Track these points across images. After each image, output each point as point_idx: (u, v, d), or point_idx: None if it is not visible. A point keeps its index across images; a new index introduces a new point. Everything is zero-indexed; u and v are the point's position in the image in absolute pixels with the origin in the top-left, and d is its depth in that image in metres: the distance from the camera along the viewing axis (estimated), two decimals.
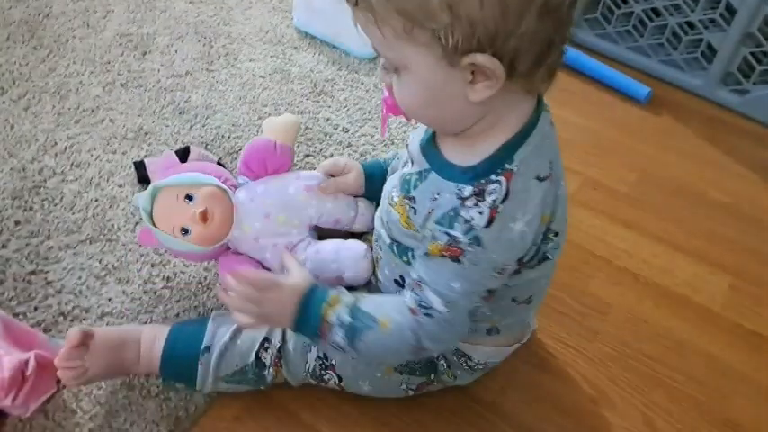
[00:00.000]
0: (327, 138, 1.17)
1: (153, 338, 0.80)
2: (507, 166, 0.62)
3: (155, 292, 0.92)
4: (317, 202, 0.89)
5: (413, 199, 0.68)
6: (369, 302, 0.70)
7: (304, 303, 0.71)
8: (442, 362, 0.81)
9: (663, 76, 1.40)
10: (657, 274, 1.04)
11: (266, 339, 0.80)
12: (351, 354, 0.71)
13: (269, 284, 0.72)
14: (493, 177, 0.62)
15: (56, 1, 1.42)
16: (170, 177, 0.87)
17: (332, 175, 0.91)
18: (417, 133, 0.72)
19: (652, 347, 0.94)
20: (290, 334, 0.80)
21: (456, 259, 0.63)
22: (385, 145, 1.17)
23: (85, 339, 0.76)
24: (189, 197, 0.85)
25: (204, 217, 0.84)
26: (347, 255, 0.84)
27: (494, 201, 0.62)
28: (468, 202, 0.62)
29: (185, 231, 0.85)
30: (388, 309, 0.69)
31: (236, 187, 0.91)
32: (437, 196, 0.65)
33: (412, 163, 0.71)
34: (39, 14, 1.37)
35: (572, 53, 1.41)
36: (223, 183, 0.89)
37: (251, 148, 0.92)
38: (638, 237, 1.10)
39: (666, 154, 1.27)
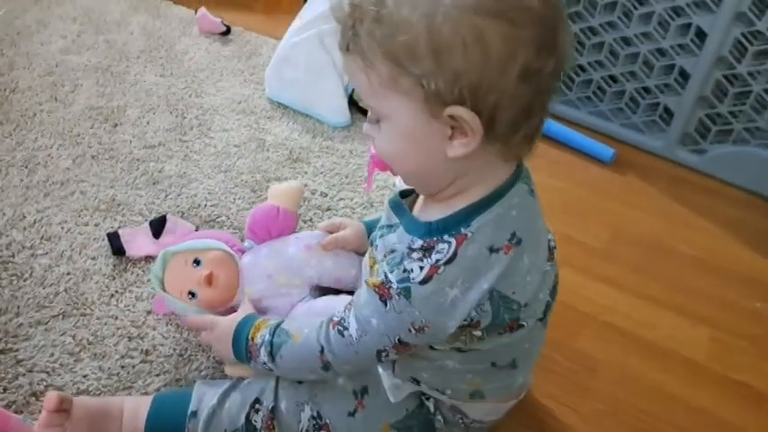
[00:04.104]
0: (306, 203, 1.17)
1: (136, 408, 0.77)
2: (462, 229, 0.62)
3: (133, 367, 0.88)
4: (316, 261, 0.91)
5: (376, 246, 0.69)
6: (289, 322, 0.76)
7: (237, 330, 0.79)
8: (439, 417, 0.78)
9: (625, 138, 1.46)
10: (640, 327, 1.05)
11: (257, 401, 0.77)
12: (275, 371, 0.76)
13: (208, 323, 0.83)
14: (445, 237, 0.62)
15: (22, 76, 1.40)
16: (180, 244, 0.92)
17: (331, 232, 0.93)
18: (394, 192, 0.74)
19: (644, 402, 0.94)
20: (281, 394, 0.78)
21: (383, 300, 0.64)
22: (364, 207, 1.17)
23: (64, 405, 0.72)
24: (196, 261, 0.89)
25: (209, 280, 0.87)
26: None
27: (437, 260, 0.61)
28: (415, 255, 0.62)
29: (192, 295, 0.88)
30: (301, 324, 0.75)
31: (242, 252, 0.94)
32: (397, 246, 0.65)
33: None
34: (4, 90, 1.36)
35: None
36: (231, 248, 0.92)
37: (255, 215, 0.95)
38: (617, 292, 1.11)
39: (635, 212, 1.30)
